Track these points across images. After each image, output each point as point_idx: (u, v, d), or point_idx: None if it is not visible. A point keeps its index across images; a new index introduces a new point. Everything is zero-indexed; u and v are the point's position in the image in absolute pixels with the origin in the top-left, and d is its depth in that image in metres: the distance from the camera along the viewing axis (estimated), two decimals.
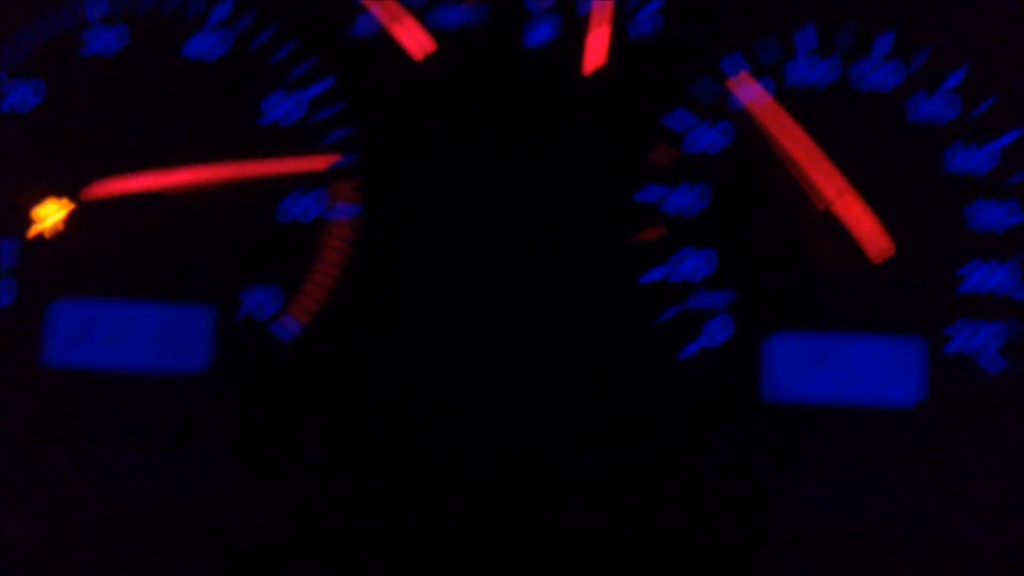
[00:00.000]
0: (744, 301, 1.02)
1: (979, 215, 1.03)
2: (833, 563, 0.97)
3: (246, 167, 1.04)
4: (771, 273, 1.02)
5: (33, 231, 1.04)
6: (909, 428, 1.01)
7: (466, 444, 1.01)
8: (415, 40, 1.05)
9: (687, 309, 1.02)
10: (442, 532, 0.98)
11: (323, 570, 0.97)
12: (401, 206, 1.04)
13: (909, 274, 1.02)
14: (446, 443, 1.01)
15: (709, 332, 1.02)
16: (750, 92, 1.05)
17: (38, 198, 1.04)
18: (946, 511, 0.99)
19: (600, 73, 1.04)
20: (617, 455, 1.01)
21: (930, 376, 1.01)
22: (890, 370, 1.01)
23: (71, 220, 1.04)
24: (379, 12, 1.05)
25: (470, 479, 1.00)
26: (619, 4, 1.06)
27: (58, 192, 1.04)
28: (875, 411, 1.01)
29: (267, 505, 0.99)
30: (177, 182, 1.04)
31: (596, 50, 1.04)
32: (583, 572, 0.95)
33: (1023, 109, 1.05)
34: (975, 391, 1.02)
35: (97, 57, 1.06)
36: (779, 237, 1.03)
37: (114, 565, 0.97)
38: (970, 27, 1.06)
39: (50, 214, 1.04)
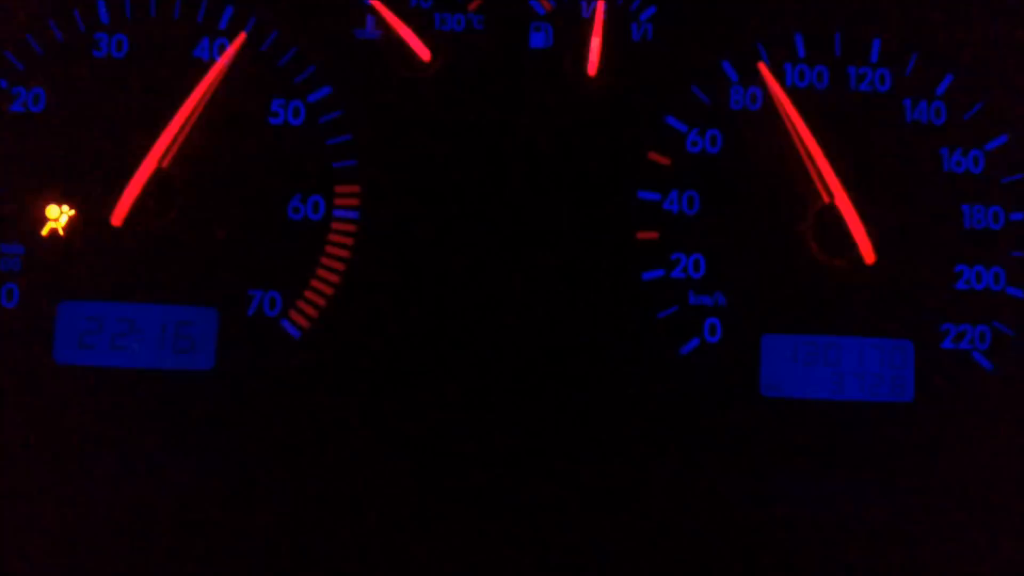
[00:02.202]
0: (733, 305, 1.04)
1: (972, 215, 1.06)
2: (824, 556, 0.98)
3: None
4: (761, 277, 1.04)
5: (44, 231, 1.05)
6: (901, 426, 1.03)
7: (471, 437, 1.03)
8: (422, 43, 1.06)
9: (687, 306, 1.04)
10: (444, 526, 0.98)
11: (325, 568, 0.98)
12: (401, 210, 1.06)
13: (903, 272, 1.04)
14: (450, 437, 1.03)
15: (707, 329, 1.04)
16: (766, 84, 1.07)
17: (44, 202, 1.05)
18: (936, 507, 1.01)
19: (603, 74, 1.06)
20: (621, 445, 1.02)
21: (922, 375, 1.03)
22: (883, 369, 1.03)
23: (72, 224, 1.05)
24: (385, 15, 1.07)
25: (475, 470, 1.01)
26: (621, 7, 1.08)
27: (62, 196, 1.05)
28: (870, 407, 1.03)
29: (267, 504, 1.00)
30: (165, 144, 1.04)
31: (600, 52, 1.05)
32: (590, 558, 0.96)
33: (1007, 115, 1.07)
34: (965, 390, 1.04)
35: (108, 59, 1.07)
36: (769, 240, 1.05)
37: (119, 559, 0.97)
38: (954, 38, 1.08)
39: (54, 218, 1.05)
